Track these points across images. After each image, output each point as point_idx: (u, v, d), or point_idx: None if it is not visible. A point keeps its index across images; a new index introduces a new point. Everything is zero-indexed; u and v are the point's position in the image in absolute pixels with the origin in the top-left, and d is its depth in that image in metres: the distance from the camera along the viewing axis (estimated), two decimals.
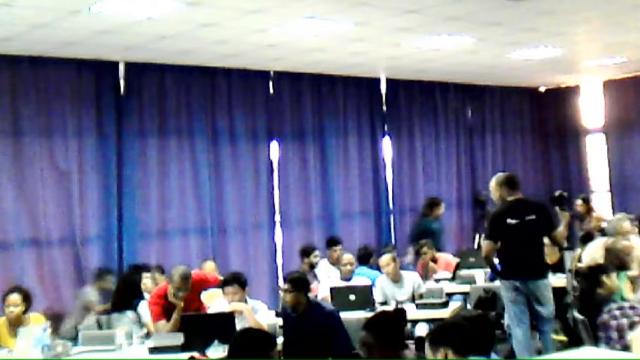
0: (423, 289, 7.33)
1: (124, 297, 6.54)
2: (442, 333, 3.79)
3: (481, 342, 3.78)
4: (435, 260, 8.97)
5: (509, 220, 6.42)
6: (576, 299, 6.05)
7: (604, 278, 5.55)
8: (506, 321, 6.70)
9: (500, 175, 6.86)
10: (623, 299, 5.52)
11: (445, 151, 11.62)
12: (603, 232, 8.28)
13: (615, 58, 10.36)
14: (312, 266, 8.63)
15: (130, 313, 6.38)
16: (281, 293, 5.92)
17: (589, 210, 10.49)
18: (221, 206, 9.11)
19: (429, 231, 9.90)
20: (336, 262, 8.62)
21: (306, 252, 8.75)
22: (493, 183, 6.78)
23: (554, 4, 7.12)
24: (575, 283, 7.19)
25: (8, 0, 5.82)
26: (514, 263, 6.44)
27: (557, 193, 7.78)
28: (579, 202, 10.56)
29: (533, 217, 6.46)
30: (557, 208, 7.03)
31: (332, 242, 9.08)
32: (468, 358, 3.66)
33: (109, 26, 6.77)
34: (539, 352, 6.42)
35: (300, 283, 5.79)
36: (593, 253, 7.31)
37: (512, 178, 6.72)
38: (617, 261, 6.05)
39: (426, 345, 3.78)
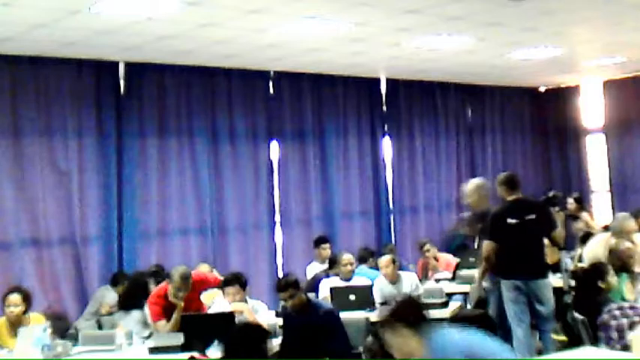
0: (421, 289, 7.32)
1: (133, 297, 6.54)
2: (396, 312, 3.86)
3: None
4: (436, 260, 9.00)
5: (509, 220, 6.42)
6: (576, 299, 6.06)
7: (600, 283, 5.56)
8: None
9: (500, 174, 6.89)
10: (623, 299, 5.52)
11: (445, 151, 11.62)
12: (606, 229, 8.25)
13: (615, 58, 10.35)
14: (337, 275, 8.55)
15: (135, 313, 6.37)
16: (282, 302, 5.93)
17: (581, 210, 10.46)
18: (221, 206, 9.11)
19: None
20: (324, 261, 8.62)
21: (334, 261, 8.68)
22: (470, 187, 6.82)
23: (554, 4, 7.12)
24: (572, 283, 7.21)
25: (8, 0, 5.83)
26: (515, 263, 6.44)
27: (551, 194, 7.79)
28: (571, 201, 10.53)
29: (532, 216, 6.47)
30: (551, 209, 7.06)
31: (320, 240, 9.08)
32: (420, 328, 3.74)
33: (109, 26, 6.77)
34: (540, 352, 6.42)
35: (297, 284, 5.81)
36: (595, 249, 7.29)
37: (512, 177, 6.73)
38: (619, 262, 6.06)
39: (382, 331, 3.87)
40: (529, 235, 6.46)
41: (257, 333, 4.01)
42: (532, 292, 6.41)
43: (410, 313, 3.80)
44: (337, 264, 7.73)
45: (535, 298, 6.41)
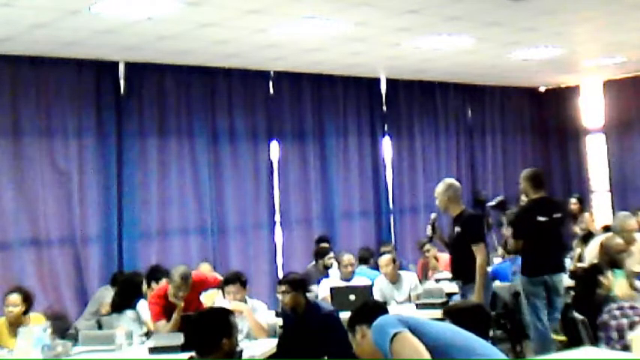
0: (420, 289, 7.31)
1: (126, 298, 6.54)
2: (355, 314, 3.93)
3: (475, 332, 3.79)
4: (436, 260, 8.99)
5: (539, 217, 6.51)
6: (576, 299, 6.05)
7: (601, 278, 5.55)
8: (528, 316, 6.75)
9: (526, 170, 6.93)
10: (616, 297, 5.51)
11: (445, 151, 11.62)
12: (606, 230, 8.26)
13: (615, 58, 10.36)
14: (327, 268, 8.57)
15: (129, 312, 6.38)
16: (279, 296, 5.89)
17: (582, 210, 10.46)
18: (221, 206, 9.11)
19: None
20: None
21: (320, 254, 8.67)
22: (439, 187, 6.83)
23: (554, 4, 7.13)
24: (571, 282, 7.21)
25: (8, 0, 5.83)
26: (543, 259, 6.53)
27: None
28: (573, 200, 10.56)
29: (559, 215, 6.65)
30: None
31: (320, 240, 9.09)
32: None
33: (109, 26, 6.78)
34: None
35: (297, 283, 5.77)
36: (594, 250, 7.30)
37: (537, 175, 6.77)
38: (607, 258, 6.07)
39: (349, 334, 3.93)
40: (555, 233, 6.62)
41: (217, 314, 4.13)
42: (553, 286, 6.54)
43: (367, 313, 3.84)
44: (339, 263, 7.72)
45: (554, 291, 6.55)
